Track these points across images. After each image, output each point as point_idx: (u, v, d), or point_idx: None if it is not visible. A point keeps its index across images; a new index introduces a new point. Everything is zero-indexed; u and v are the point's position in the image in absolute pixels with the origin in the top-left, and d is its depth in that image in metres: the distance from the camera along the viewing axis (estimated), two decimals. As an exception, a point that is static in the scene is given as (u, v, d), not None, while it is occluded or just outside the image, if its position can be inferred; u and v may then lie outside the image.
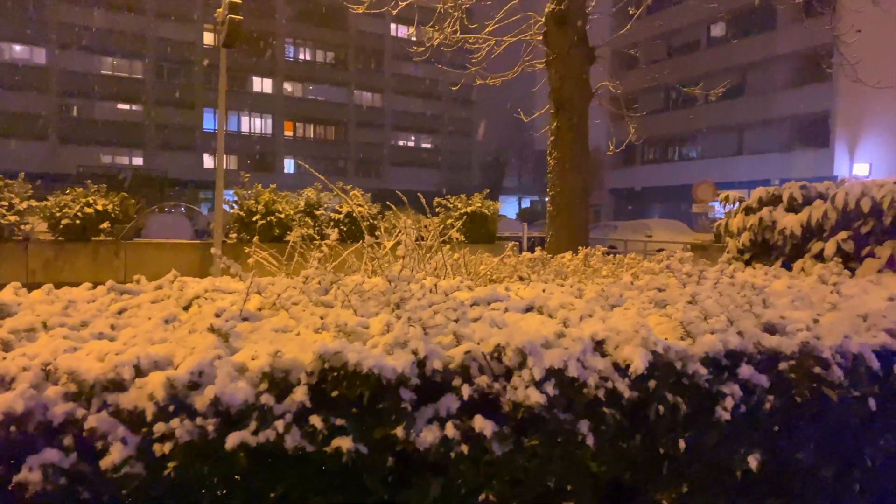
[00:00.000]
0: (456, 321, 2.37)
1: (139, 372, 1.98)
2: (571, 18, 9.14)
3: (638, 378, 2.23)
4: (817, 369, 2.44)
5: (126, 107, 49.32)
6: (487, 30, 11.16)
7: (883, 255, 4.80)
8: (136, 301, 2.86)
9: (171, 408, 1.90)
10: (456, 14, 10.78)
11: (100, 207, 12.22)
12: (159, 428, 1.88)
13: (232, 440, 1.89)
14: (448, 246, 4.50)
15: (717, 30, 43.15)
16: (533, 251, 4.93)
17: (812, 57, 31.00)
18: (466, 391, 2.10)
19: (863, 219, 4.97)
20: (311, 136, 57.16)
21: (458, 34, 11.00)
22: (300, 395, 1.99)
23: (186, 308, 2.72)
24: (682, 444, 2.27)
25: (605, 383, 2.20)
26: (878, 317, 2.84)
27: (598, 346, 2.32)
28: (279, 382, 2.01)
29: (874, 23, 12.01)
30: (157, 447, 1.87)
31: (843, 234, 5.01)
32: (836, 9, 11.69)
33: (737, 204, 6.12)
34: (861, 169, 34.92)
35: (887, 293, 3.47)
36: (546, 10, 9.41)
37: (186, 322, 2.47)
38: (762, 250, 5.66)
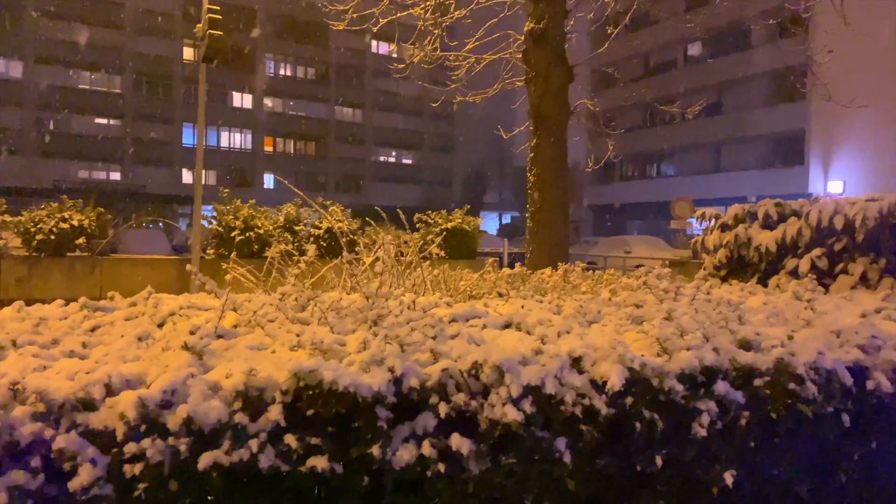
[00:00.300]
0: (434, 338, 2.36)
1: (110, 391, 1.94)
2: (550, 37, 9.25)
3: (615, 395, 2.23)
4: (792, 385, 2.47)
5: (104, 121, 48.85)
6: (468, 47, 11.25)
7: (856, 271, 4.87)
8: (109, 318, 2.81)
9: (143, 427, 1.86)
10: (436, 32, 10.87)
11: (75, 223, 12.08)
12: (130, 448, 1.84)
13: (205, 460, 1.86)
14: (428, 262, 4.50)
15: (694, 49, 43.89)
16: (513, 267, 4.95)
17: (787, 76, 31.62)
18: (443, 409, 2.09)
19: (836, 236, 5.05)
20: (292, 151, 57.00)
21: (438, 51, 11.09)
22: (275, 413, 1.96)
23: (161, 325, 2.68)
24: (658, 460, 2.27)
25: (582, 400, 2.20)
26: (852, 333, 2.88)
27: (576, 362, 2.32)
28: (253, 401, 1.98)
29: (846, 43, 12.26)
30: (127, 468, 1.83)
31: (817, 251, 5.08)
32: (808, 29, 11.94)
33: (713, 221, 6.18)
34: (835, 186, 35.56)
35: (860, 309, 3.52)
36: (525, 28, 9.51)
37: (160, 340, 2.44)
38: (738, 267, 5.72)
